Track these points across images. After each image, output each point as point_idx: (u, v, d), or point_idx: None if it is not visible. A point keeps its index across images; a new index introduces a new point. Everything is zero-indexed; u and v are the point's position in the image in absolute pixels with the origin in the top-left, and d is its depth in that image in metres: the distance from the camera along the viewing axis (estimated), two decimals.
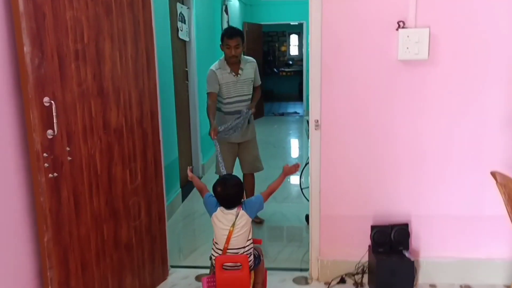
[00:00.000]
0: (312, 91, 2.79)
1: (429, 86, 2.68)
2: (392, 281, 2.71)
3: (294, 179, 5.53)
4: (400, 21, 2.61)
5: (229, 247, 2.39)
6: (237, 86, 3.85)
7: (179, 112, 4.81)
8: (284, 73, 14.12)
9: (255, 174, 4.08)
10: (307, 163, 3.95)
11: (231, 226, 2.38)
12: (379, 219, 2.85)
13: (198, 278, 3.06)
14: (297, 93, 13.21)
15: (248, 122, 3.94)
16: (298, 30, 13.92)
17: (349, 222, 2.90)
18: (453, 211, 2.81)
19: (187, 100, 5.33)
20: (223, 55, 3.87)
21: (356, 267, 2.91)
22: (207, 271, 2.66)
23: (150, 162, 2.82)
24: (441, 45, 2.64)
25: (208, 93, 3.80)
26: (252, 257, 2.46)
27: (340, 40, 2.70)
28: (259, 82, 4.05)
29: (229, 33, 3.83)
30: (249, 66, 3.95)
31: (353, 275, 2.91)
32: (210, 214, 2.48)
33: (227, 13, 7.01)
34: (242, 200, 2.49)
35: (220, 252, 2.42)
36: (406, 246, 2.78)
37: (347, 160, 2.83)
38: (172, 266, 3.19)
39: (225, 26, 6.88)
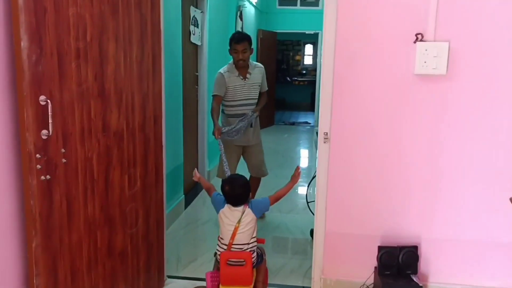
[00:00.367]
0: (323, 103, 2.67)
1: (446, 103, 2.55)
2: None
3: (301, 190, 5.40)
4: (419, 34, 2.49)
5: (234, 243, 2.50)
6: (244, 90, 3.92)
7: (187, 117, 4.73)
8: (297, 82, 14.03)
9: (262, 180, 4.21)
10: (314, 176, 3.84)
11: (237, 223, 2.50)
12: (387, 239, 2.71)
13: None
14: (309, 102, 13.10)
15: (251, 126, 4.00)
16: (313, 39, 13.85)
17: (355, 241, 2.77)
18: (466, 236, 2.67)
19: (196, 105, 5.24)
20: (232, 59, 3.98)
21: None
22: (205, 283, 2.61)
23: (151, 168, 2.72)
24: (460, 60, 2.51)
25: (213, 96, 3.90)
26: (255, 254, 2.58)
27: (354, 51, 2.59)
28: (265, 88, 4.15)
29: (237, 38, 3.93)
30: (257, 71, 4.03)
31: None
32: (218, 211, 2.61)
33: (241, 19, 6.93)
34: (249, 199, 2.61)
35: (225, 247, 2.53)
36: (415, 270, 2.64)
37: (356, 176, 2.70)
38: (169, 277, 3.08)
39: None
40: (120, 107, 2.39)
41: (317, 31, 10.30)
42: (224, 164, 3.66)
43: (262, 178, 4.26)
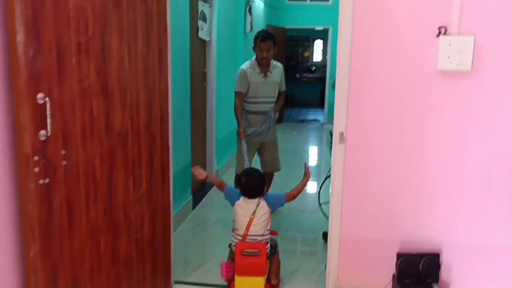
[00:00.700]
0: (338, 101, 2.52)
1: (471, 101, 2.39)
2: None
3: (310, 189, 5.27)
4: (442, 27, 2.33)
5: (248, 234, 2.59)
6: (264, 88, 4.00)
7: (195, 114, 4.59)
8: (306, 79, 13.86)
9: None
10: (327, 177, 3.69)
11: (252, 214, 2.59)
12: (406, 245, 2.56)
13: None
14: (319, 100, 12.93)
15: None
16: (323, 35, 13.65)
17: (372, 246, 2.62)
18: (492, 242, 2.51)
19: (204, 102, 5.11)
20: (254, 56, 4.01)
21: None
22: None
23: (157, 169, 2.59)
24: (486, 56, 2.35)
25: (236, 92, 3.96)
26: (269, 245, 2.65)
27: (372, 45, 2.44)
28: (284, 88, 4.25)
29: (262, 37, 3.95)
30: (277, 70, 4.13)
31: None
32: (233, 204, 2.70)
33: (250, 14, 6.78)
34: (264, 192, 2.69)
35: (240, 238, 2.62)
36: (436, 278, 2.49)
37: (373, 178, 2.55)
38: (176, 282, 2.95)
39: (248, 27, 6.66)
40: (125, 105, 2.26)
41: (327, 27, 10.13)
42: (246, 163, 3.77)
43: (273, 179, 4.22)
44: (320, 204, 3.77)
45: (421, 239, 2.55)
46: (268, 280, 2.67)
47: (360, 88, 2.47)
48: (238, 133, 3.89)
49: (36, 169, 1.76)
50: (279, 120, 9.59)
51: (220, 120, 5.52)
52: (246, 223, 2.60)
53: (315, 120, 10.78)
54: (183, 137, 4.08)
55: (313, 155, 7.77)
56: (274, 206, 2.69)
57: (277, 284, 2.79)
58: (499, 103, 2.37)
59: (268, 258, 2.63)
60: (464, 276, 2.55)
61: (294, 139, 8.64)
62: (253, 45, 4.00)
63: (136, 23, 2.29)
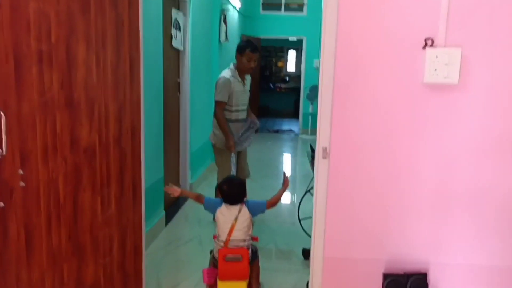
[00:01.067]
0: (322, 114, 2.40)
1: (458, 115, 2.30)
2: None
3: (286, 199, 5.17)
4: (429, 39, 2.24)
5: (231, 239, 2.64)
6: (243, 96, 4.04)
7: (168, 126, 4.41)
8: (280, 89, 13.81)
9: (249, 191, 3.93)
10: (307, 190, 3.57)
11: (234, 220, 2.64)
12: (393, 265, 2.44)
13: None
14: (293, 110, 12.89)
15: (256, 132, 4.20)
16: (297, 46, 13.66)
17: (357, 267, 2.49)
18: (481, 261, 2.42)
19: (178, 113, 4.93)
20: (231, 64, 4.02)
21: None
22: None
23: (128, 187, 2.40)
24: (473, 69, 2.27)
25: (218, 102, 3.88)
26: (250, 251, 2.69)
27: (356, 57, 2.33)
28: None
29: (253, 47, 3.99)
30: (248, 78, 4.19)
31: None
32: (214, 212, 2.72)
33: (225, 24, 6.65)
34: (245, 199, 2.76)
35: (222, 244, 2.66)
36: None
37: (358, 195, 2.43)
38: None
39: (223, 36, 6.53)
40: (92, 119, 2.08)
41: (301, 37, 10.11)
42: (232, 173, 3.78)
43: (249, 191, 4.02)
44: (299, 220, 3.64)
45: (408, 258, 2.44)
46: (249, 285, 2.71)
47: (344, 101, 2.36)
48: (228, 147, 3.85)
49: None
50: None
51: (194, 132, 5.35)
52: (229, 229, 2.64)
53: (290, 130, 10.70)
54: (155, 150, 3.89)
55: (289, 166, 7.65)
56: (255, 212, 2.75)
57: None
58: (486, 117, 2.29)
59: (250, 264, 2.65)
60: None
61: (269, 149, 8.52)
62: (236, 53, 3.99)
63: (106, 31, 2.12)
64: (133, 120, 2.40)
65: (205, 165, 6.03)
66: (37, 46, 1.72)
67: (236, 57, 4.01)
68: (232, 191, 2.72)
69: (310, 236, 3.15)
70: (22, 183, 1.69)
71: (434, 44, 2.25)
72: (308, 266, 3.34)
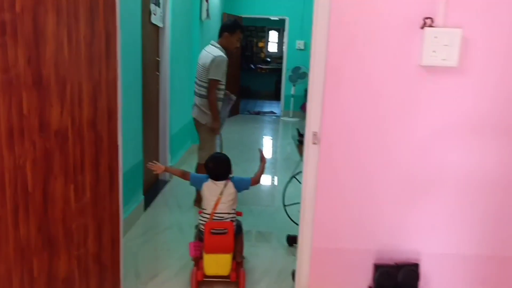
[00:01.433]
0: (312, 97, 2.26)
1: (456, 99, 2.19)
2: None
3: (266, 181, 5.10)
4: (428, 18, 2.11)
5: (216, 212, 2.73)
6: (226, 74, 3.94)
7: (147, 107, 4.21)
8: (261, 70, 13.60)
9: None
10: (293, 176, 3.46)
11: (219, 194, 2.73)
12: (383, 255, 2.35)
13: None
14: (274, 91, 12.73)
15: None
16: (278, 26, 13.43)
17: (346, 257, 2.39)
18: (473, 250, 2.34)
19: (157, 93, 4.72)
20: (215, 41, 3.94)
21: None
22: None
23: (104, 173, 2.23)
24: (473, 51, 2.15)
25: (216, 81, 3.80)
26: (235, 225, 2.80)
27: (350, 36, 2.18)
28: None
29: (242, 28, 3.98)
30: None
31: None
32: (200, 187, 2.81)
33: (207, 1, 6.40)
34: (231, 175, 2.87)
35: (207, 217, 2.75)
36: None
37: (349, 182, 2.31)
38: None
39: (204, 14, 6.28)
40: (64, 100, 1.89)
41: (283, 17, 9.90)
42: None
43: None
44: (284, 206, 3.53)
45: (399, 248, 2.35)
46: (233, 258, 2.77)
47: (336, 84, 2.22)
48: (216, 128, 3.87)
49: None
50: (235, 112, 9.33)
51: (174, 113, 5.15)
52: (214, 203, 2.73)
53: (272, 112, 10.55)
54: (134, 133, 3.70)
55: (271, 149, 7.53)
56: (240, 187, 2.82)
57: (241, 262, 2.92)
58: (486, 101, 2.19)
59: (234, 237, 2.73)
60: (445, 285, 2.37)
61: (251, 132, 8.37)
62: (224, 31, 3.94)
63: (78, 1, 1.91)
64: (109, 100, 2.22)
65: (185, 147, 5.86)
66: None
67: (223, 36, 3.94)
68: (218, 168, 2.81)
69: (296, 224, 3.06)
70: None
71: (434, 23, 2.11)
72: (292, 253, 3.27)
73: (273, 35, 14.24)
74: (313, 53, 2.23)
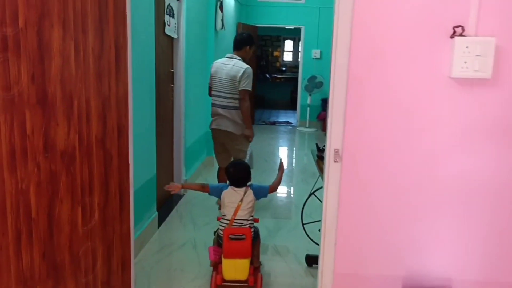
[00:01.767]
0: (334, 112, 2.12)
1: (491, 114, 2.03)
2: None
3: (282, 192, 4.98)
4: (458, 26, 1.96)
5: (236, 218, 2.81)
6: None
7: (161, 120, 4.11)
8: (276, 80, 13.49)
9: None
10: (312, 193, 3.31)
11: (239, 201, 2.82)
12: (412, 281, 2.19)
13: None
14: (289, 101, 12.59)
15: None
16: (293, 35, 13.32)
17: (372, 284, 2.24)
18: (507, 278, 2.16)
19: (171, 106, 4.62)
20: (232, 54, 4.10)
21: None
22: None
23: (114, 194, 2.12)
24: (508, 61, 1.99)
25: (248, 91, 3.99)
26: (253, 231, 2.87)
27: (374, 47, 2.05)
28: None
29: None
30: None
31: None
32: (219, 196, 2.90)
33: (222, 11, 6.32)
34: (250, 183, 2.95)
35: (227, 222, 2.83)
36: None
37: (374, 203, 2.16)
38: None
39: (219, 24, 6.20)
40: (71, 118, 1.78)
41: (299, 26, 9.78)
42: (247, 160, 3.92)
43: None
44: (303, 224, 3.38)
45: (430, 274, 2.18)
46: (251, 263, 2.81)
47: (359, 97, 2.08)
48: (249, 137, 4.11)
49: None
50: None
51: (189, 125, 5.05)
52: (234, 209, 2.81)
53: (287, 122, 10.41)
54: (147, 147, 3.60)
55: (287, 160, 7.38)
56: (259, 195, 2.92)
57: (259, 267, 2.98)
58: None
59: (252, 243, 2.80)
60: None
61: (266, 142, 8.22)
62: (243, 45, 4.11)
63: (86, 13, 1.82)
64: (119, 117, 2.11)
65: (200, 160, 5.75)
66: (0, 30, 1.42)
67: (244, 49, 4.12)
68: (238, 173, 2.91)
69: (317, 244, 2.91)
70: None
71: (464, 32, 1.96)
72: (311, 274, 3.12)
73: (288, 44, 14.13)
74: (334, 64, 2.10)
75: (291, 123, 10.22)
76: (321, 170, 2.92)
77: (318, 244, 3.03)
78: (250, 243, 2.74)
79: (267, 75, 13.54)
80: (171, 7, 4.27)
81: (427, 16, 1.99)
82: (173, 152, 4.70)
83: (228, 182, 2.96)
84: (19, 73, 1.51)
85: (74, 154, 1.82)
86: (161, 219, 3.95)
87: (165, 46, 4.31)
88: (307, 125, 9.46)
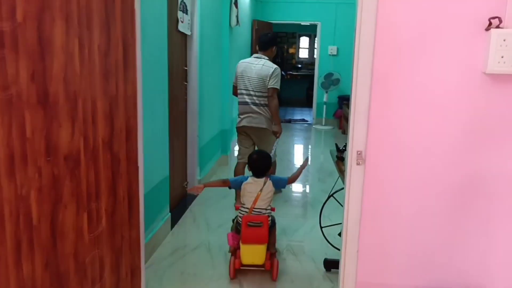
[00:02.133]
0: (356, 111, 1.97)
1: None
2: None
3: (297, 190, 4.84)
4: (495, 18, 1.79)
5: (255, 207, 2.97)
6: None
7: (174, 119, 4.00)
8: (289, 76, 13.32)
9: None
10: (330, 195, 3.17)
11: (259, 191, 2.97)
12: None
13: None
14: (305, 98, 12.41)
15: None
16: (309, 31, 13.14)
17: None
18: None
19: (185, 104, 4.51)
20: (258, 54, 4.27)
21: None
22: None
23: (122, 198, 2.00)
24: None
25: (277, 89, 4.19)
26: (270, 219, 3.02)
27: (401, 42, 1.90)
28: None
29: None
30: None
31: None
32: (240, 188, 3.07)
33: (236, 7, 6.19)
34: (269, 173, 3.11)
35: (246, 211, 3.00)
36: None
37: (400, 209, 2.02)
38: None
39: (234, 21, 6.07)
40: (75, 119, 1.67)
41: (315, 22, 9.60)
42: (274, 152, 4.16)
43: None
44: (321, 227, 3.24)
45: (459, 285, 2.03)
46: (267, 249, 2.97)
47: (384, 96, 1.93)
48: (277, 133, 4.30)
49: None
50: None
51: (203, 124, 4.94)
52: (253, 198, 2.97)
53: (303, 120, 10.24)
54: (160, 147, 3.49)
55: (302, 159, 7.23)
56: (278, 186, 3.12)
57: (275, 253, 3.09)
58: None
59: (269, 230, 2.94)
60: None
61: (282, 140, 8.04)
62: (269, 45, 4.28)
63: (91, 8, 1.70)
64: (127, 117, 2.00)
65: (214, 159, 5.64)
66: None
67: (271, 49, 4.31)
68: (260, 161, 3.11)
69: (337, 249, 2.77)
70: None
71: (501, 24, 1.80)
72: (330, 279, 2.98)
73: (304, 41, 13.95)
74: (356, 60, 1.95)
75: (307, 121, 10.06)
76: (341, 171, 2.78)
77: (338, 249, 2.89)
78: (267, 230, 2.89)
79: (283, 73, 13.33)
80: (184, 3, 4.15)
81: (459, 6, 1.84)
82: (186, 151, 4.59)
83: (250, 172, 3.14)
84: (17, 72, 1.40)
85: (79, 157, 1.71)
86: (174, 221, 3.84)
87: (178, 43, 4.20)
88: (323, 123, 9.29)
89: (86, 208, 1.77)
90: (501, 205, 1.96)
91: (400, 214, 2.02)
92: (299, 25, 11.73)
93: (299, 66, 13.90)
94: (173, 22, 3.91)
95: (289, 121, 10.11)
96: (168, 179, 3.72)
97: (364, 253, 2.07)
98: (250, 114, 4.20)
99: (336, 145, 2.86)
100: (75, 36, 1.63)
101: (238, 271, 2.97)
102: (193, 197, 4.53)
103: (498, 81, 1.85)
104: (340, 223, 3.05)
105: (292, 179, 3.17)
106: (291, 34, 13.79)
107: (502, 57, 1.80)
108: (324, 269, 3.13)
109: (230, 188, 3.22)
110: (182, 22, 4.13)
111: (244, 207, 3.03)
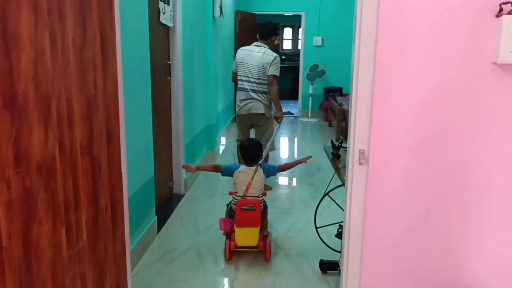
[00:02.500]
0: (358, 107, 1.82)
1: None
2: None
3: (284, 184, 4.64)
4: (506, 3, 1.65)
5: (247, 195, 3.10)
6: None
7: (157, 115, 3.81)
8: None
9: None
10: (325, 194, 3.03)
11: (250, 178, 3.10)
12: None
13: None
14: (290, 90, 12.25)
15: None
16: (293, 22, 12.95)
17: None
18: None
19: (169, 100, 4.31)
20: (259, 43, 4.46)
21: None
22: None
23: (104, 207, 1.82)
24: None
25: (277, 77, 4.37)
26: (262, 204, 3.19)
27: (406, 29, 1.75)
28: None
29: None
30: None
31: None
32: (232, 175, 3.19)
33: None
34: (260, 162, 3.21)
35: (240, 198, 3.11)
36: None
37: (406, 211, 1.88)
38: None
39: (217, 12, 5.86)
40: (48, 122, 1.48)
41: (298, 13, 9.43)
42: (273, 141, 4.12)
43: None
44: (316, 228, 3.10)
45: None
46: (260, 231, 3.10)
47: (388, 88, 1.79)
48: (277, 118, 4.49)
49: None
50: None
51: (188, 121, 4.75)
52: (245, 186, 3.09)
53: (289, 113, 10.09)
54: (143, 146, 3.30)
55: (288, 152, 7.10)
56: (268, 173, 3.25)
57: (267, 235, 3.26)
58: None
59: (261, 214, 3.11)
60: None
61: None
62: (268, 35, 4.47)
63: None
64: (108, 118, 1.81)
65: (200, 156, 5.45)
66: None
67: (272, 38, 4.53)
68: (251, 149, 3.24)
69: (335, 250, 2.64)
70: None
71: None
72: (327, 282, 2.85)
73: (287, 32, 13.77)
74: (357, 50, 1.80)
75: (293, 114, 9.91)
76: (337, 169, 2.64)
77: (335, 250, 2.76)
78: (259, 213, 3.05)
79: None
80: None
81: None
82: (172, 149, 4.41)
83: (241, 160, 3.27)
84: None
85: (54, 165, 1.52)
86: (160, 223, 3.66)
87: (161, 36, 3.99)
88: (309, 116, 9.16)
89: (64, 222, 1.58)
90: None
91: (405, 216, 1.88)
92: (283, 15, 11.54)
93: (283, 57, 13.70)
94: (154, 13, 3.71)
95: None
96: (153, 179, 3.54)
97: (368, 258, 1.93)
98: (250, 101, 4.37)
99: (332, 141, 2.71)
100: (45, 27, 1.44)
101: (233, 252, 3.13)
102: (180, 196, 4.36)
103: (507, 71, 1.72)
104: (335, 223, 2.94)
105: (284, 168, 3.38)
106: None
107: None
108: (320, 272, 2.99)
109: (222, 175, 3.29)
110: (164, 13, 3.92)
111: (237, 195, 3.16)
